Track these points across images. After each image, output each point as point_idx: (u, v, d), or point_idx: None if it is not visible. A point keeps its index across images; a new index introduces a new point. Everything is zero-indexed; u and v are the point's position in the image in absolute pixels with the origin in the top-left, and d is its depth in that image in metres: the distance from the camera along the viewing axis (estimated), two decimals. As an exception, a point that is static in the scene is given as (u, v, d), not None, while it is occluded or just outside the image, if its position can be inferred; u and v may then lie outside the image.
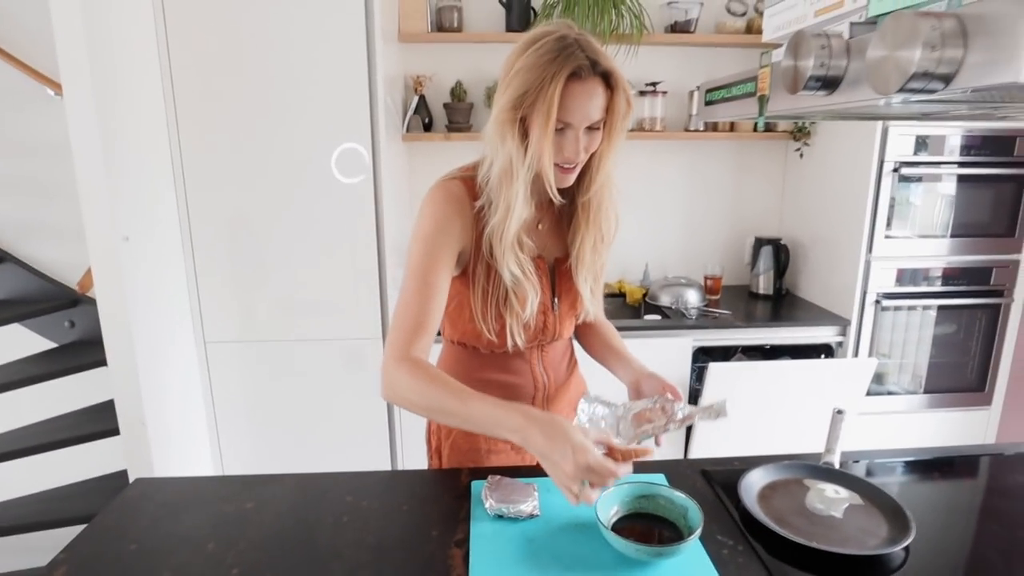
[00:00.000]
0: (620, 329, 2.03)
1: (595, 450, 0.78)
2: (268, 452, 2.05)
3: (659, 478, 1.03)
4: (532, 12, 2.22)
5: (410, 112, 2.22)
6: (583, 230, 1.04)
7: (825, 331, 2.14)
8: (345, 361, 2.00)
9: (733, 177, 2.54)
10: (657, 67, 2.36)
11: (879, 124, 1.94)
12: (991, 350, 2.18)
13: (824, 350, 2.16)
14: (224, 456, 2.06)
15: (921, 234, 2.07)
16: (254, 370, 2.00)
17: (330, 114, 1.82)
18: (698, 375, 2.09)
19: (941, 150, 2.01)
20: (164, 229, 1.83)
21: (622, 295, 2.42)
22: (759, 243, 2.39)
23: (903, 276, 2.09)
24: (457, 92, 2.29)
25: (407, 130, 2.22)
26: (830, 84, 0.57)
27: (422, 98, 2.25)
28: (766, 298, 2.39)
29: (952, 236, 2.08)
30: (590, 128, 0.93)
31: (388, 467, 2.06)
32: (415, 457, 2.05)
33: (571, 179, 0.98)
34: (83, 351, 2.23)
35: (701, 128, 2.35)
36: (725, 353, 2.18)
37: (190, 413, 1.97)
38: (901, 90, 0.46)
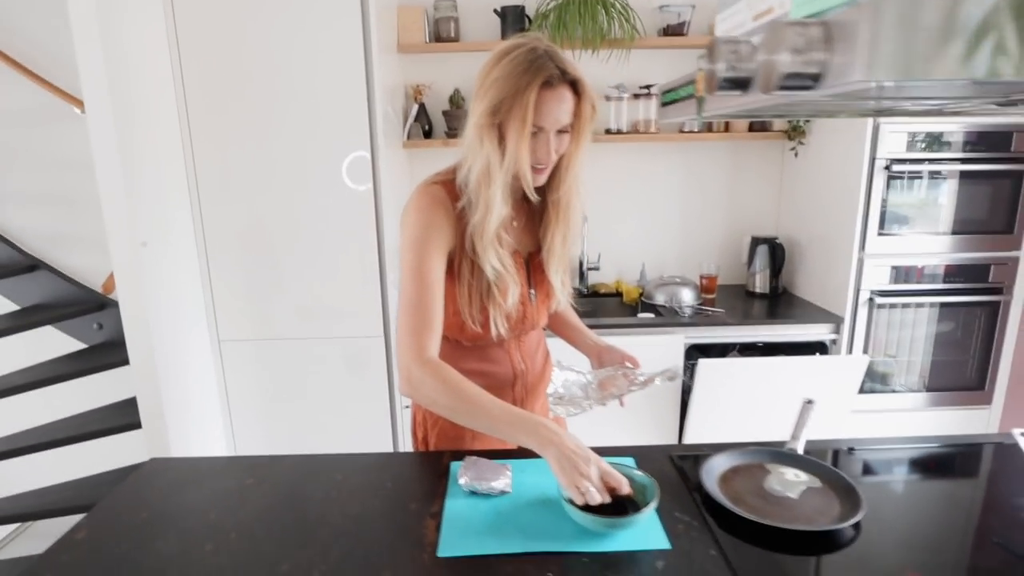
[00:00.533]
0: (613, 327, 2.13)
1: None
2: (278, 443, 2.16)
3: (628, 460, 1.09)
4: (527, 20, 2.30)
5: (410, 120, 2.32)
6: (553, 226, 1.12)
7: (819, 329, 2.17)
8: (349, 358, 2.10)
9: (729, 177, 2.59)
10: (651, 70, 2.42)
11: (870, 122, 1.98)
12: (991, 348, 2.18)
13: (818, 348, 2.19)
14: (238, 446, 2.18)
15: (916, 231, 2.09)
16: (265, 367, 2.11)
17: (331, 124, 1.93)
18: (691, 373, 2.13)
19: (936, 147, 2.03)
20: (179, 235, 1.95)
21: (619, 295, 2.48)
22: (755, 242, 2.43)
23: (898, 274, 2.11)
24: (455, 99, 2.38)
25: (408, 137, 2.32)
26: (741, 85, 0.63)
27: (422, 106, 2.35)
28: (762, 297, 2.43)
29: (949, 233, 2.10)
30: (560, 132, 1.01)
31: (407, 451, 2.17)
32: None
33: (543, 179, 1.06)
34: (110, 351, 2.37)
35: (696, 129, 2.40)
36: (722, 352, 2.23)
37: (207, 407, 2.08)
38: (780, 88, 0.53)
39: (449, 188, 1.08)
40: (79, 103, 2.14)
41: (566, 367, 1.18)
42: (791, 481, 1.02)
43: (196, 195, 1.97)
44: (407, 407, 2.01)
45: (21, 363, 2.27)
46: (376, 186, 1.98)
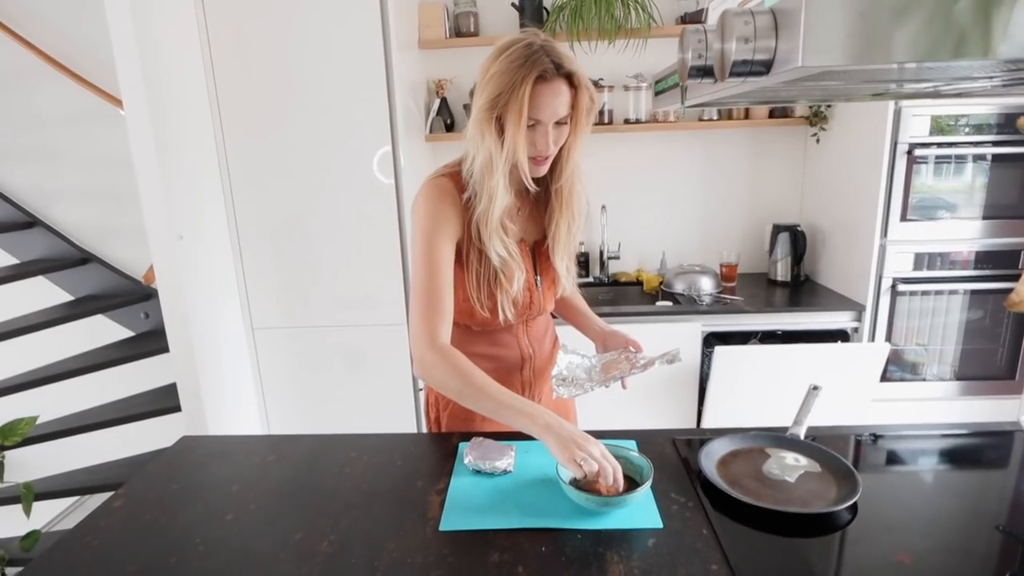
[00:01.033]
0: (632, 316, 2.15)
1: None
2: (309, 424, 2.27)
3: (630, 443, 1.13)
4: (544, 12, 2.32)
5: (432, 114, 2.37)
6: (557, 214, 1.16)
7: (840, 317, 2.14)
8: (374, 344, 2.18)
9: (750, 164, 2.56)
10: (670, 59, 2.35)
11: (891, 106, 1.93)
12: (1021, 336, 2.12)
13: (840, 336, 2.16)
14: (271, 427, 2.29)
15: (940, 217, 2.04)
16: (296, 353, 2.21)
17: (354, 119, 2.00)
18: (709, 361, 2.14)
19: (960, 129, 1.97)
20: (214, 228, 2.06)
21: (639, 284, 2.49)
22: (777, 230, 2.40)
23: (921, 260, 2.06)
24: (477, 93, 2.41)
25: (430, 131, 2.37)
26: (708, 73, 0.66)
27: (443, 100, 2.40)
28: (784, 285, 2.40)
29: (977, 218, 2.04)
30: (558, 123, 1.05)
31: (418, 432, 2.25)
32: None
33: (544, 169, 1.10)
34: (155, 339, 2.51)
35: (715, 118, 2.38)
36: (741, 340, 2.22)
37: (241, 390, 2.20)
38: (732, 75, 0.55)
39: (456, 180, 1.13)
40: (120, 103, 2.27)
41: (571, 351, 1.23)
42: (790, 465, 1.03)
43: (229, 189, 2.07)
44: (421, 389, 2.08)
45: (76, 350, 2.44)
46: (398, 179, 2.04)
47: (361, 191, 2.04)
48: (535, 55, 1.00)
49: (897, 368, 2.16)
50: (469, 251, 1.12)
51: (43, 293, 2.59)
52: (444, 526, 0.89)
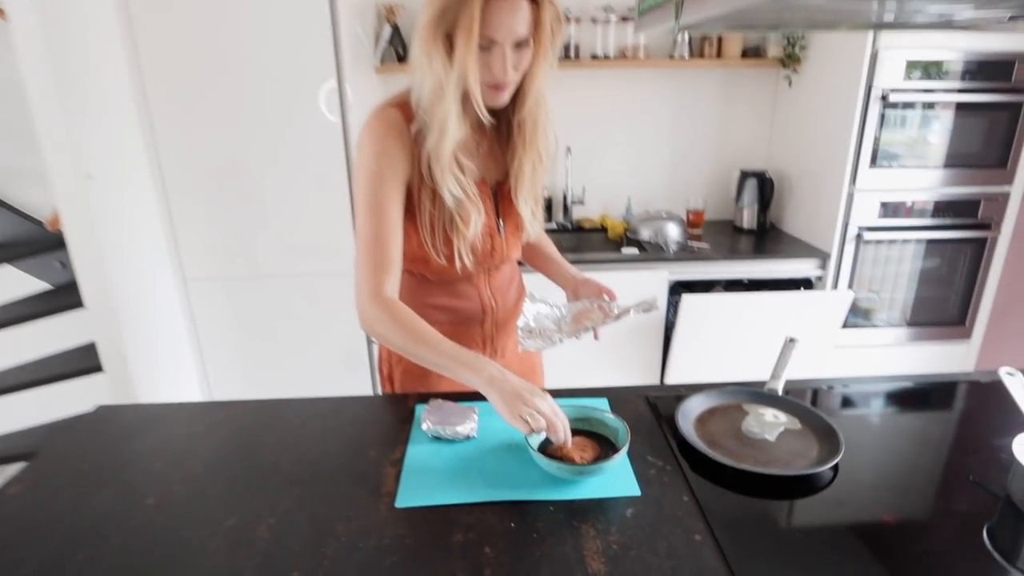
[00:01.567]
0: (597, 263, 2.06)
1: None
2: (255, 385, 2.12)
3: (602, 402, 1.05)
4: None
5: (383, 43, 2.15)
6: (520, 151, 1.03)
7: (805, 265, 2.12)
8: (324, 297, 2.03)
9: (720, 108, 2.46)
10: None
11: (868, 49, 1.85)
12: (974, 284, 2.16)
13: (804, 284, 2.14)
14: (213, 391, 2.13)
15: (908, 165, 2.01)
16: (236, 306, 2.04)
17: (293, 48, 1.77)
18: (675, 309, 2.09)
19: (935, 75, 1.92)
20: (131, 167, 1.82)
21: (603, 230, 2.40)
22: (744, 176, 2.34)
23: (887, 209, 2.04)
24: (431, 20, 2.19)
25: (380, 62, 2.16)
26: None
27: (395, 28, 2.17)
28: (749, 232, 2.36)
29: (941, 167, 2.02)
30: (518, 45, 0.90)
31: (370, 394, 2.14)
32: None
33: (504, 98, 0.96)
34: (75, 292, 2.27)
35: (686, 56, 2.25)
36: (706, 288, 2.18)
37: (177, 350, 2.02)
38: None
39: (405, 111, 0.98)
40: (1, 11, 1.94)
41: (538, 299, 1.12)
42: (769, 422, 0.98)
43: (149, 123, 1.82)
44: (375, 342, 1.96)
45: (-19, 306, 2.18)
46: (344, 116, 1.84)
47: (306, 129, 1.84)
48: None
49: (851, 315, 2.17)
50: (421, 191, 0.99)
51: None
52: (400, 502, 0.80)
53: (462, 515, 0.77)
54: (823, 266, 2.11)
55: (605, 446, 0.89)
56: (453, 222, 0.99)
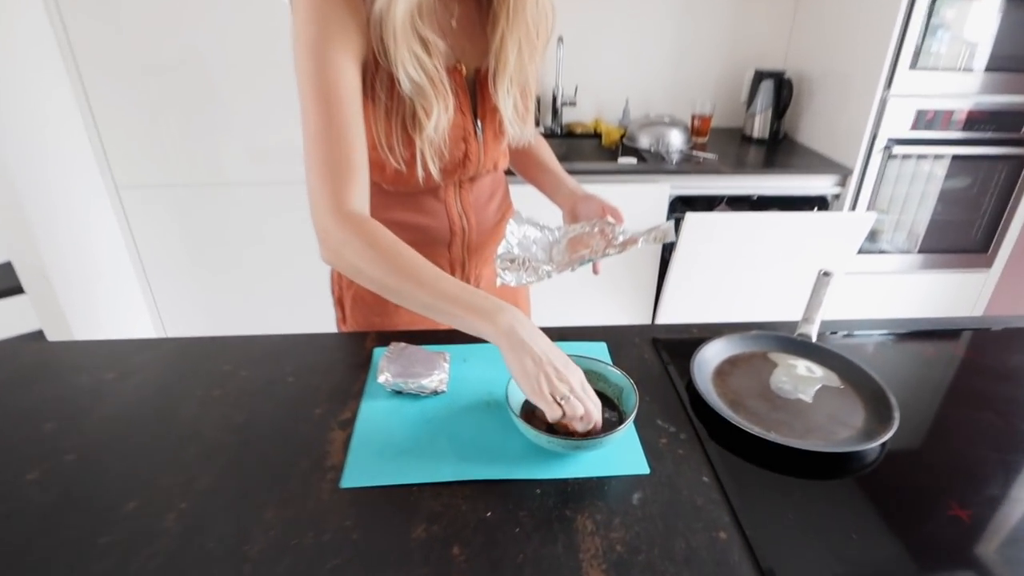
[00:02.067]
0: (590, 173, 1.81)
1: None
2: (212, 312, 1.91)
3: (600, 348, 0.87)
4: None
5: None
6: (503, 24, 0.78)
7: (821, 182, 1.90)
8: (284, 208, 1.78)
9: (734, -4, 2.12)
10: None
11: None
12: (1004, 207, 1.97)
13: (818, 203, 1.94)
14: (164, 317, 1.93)
15: (952, 68, 1.74)
16: (182, 219, 1.79)
17: None
18: (675, 230, 1.89)
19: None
20: (34, 52, 1.50)
21: (598, 136, 2.14)
22: (759, 77, 2.06)
23: (920, 119, 1.80)
24: None
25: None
26: None
27: None
28: (760, 142, 2.12)
29: (987, 70, 1.76)
30: None
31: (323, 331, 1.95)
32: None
33: None
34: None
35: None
36: (708, 204, 1.97)
37: (116, 268, 1.79)
38: None
39: (357, -39, 0.71)
40: None
41: (525, 220, 0.89)
42: (803, 377, 0.82)
43: (56, 10, 1.48)
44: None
45: None
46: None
47: (247, 12, 1.51)
48: None
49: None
50: (376, 74, 0.74)
51: None
52: (347, 481, 0.63)
53: (425, 499, 0.61)
54: (842, 183, 1.90)
55: (605, 407, 0.72)
56: (416, 117, 0.76)
